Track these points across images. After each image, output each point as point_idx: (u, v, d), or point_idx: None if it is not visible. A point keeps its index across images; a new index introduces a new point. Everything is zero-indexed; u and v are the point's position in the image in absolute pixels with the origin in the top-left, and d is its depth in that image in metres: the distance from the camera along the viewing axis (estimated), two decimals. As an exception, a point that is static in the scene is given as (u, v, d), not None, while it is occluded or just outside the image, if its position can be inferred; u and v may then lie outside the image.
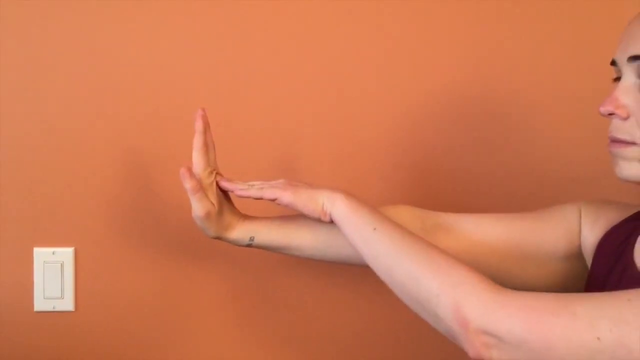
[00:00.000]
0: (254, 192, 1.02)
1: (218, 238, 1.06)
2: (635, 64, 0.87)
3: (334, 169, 1.36)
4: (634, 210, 1.01)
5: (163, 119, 1.32)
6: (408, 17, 1.35)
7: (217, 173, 1.05)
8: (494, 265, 1.04)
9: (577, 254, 1.05)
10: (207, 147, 1.04)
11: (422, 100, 1.36)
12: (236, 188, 1.04)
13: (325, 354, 1.41)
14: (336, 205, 0.99)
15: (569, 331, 0.75)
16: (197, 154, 1.03)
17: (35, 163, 1.31)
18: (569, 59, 1.37)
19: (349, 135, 1.36)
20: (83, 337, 1.35)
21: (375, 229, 0.95)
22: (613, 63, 0.92)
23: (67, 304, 1.34)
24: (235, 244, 1.08)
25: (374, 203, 1.02)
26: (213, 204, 1.03)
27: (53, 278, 1.33)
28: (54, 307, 1.34)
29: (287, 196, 1.00)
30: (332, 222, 1.00)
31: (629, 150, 0.88)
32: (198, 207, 1.01)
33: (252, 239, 1.07)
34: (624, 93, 0.89)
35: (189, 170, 1.00)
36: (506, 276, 1.03)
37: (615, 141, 0.89)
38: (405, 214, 1.10)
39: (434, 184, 1.38)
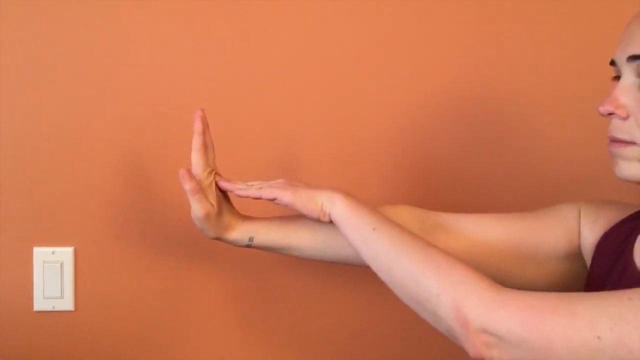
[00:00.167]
0: (253, 192, 1.02)
1: (217, 239, 1.06)
2: (635, 63, 0.87)
3: (334, 169, 1.36)
4: (634, 210, 1.01)
5: (163, 119, 1.32)
6: (408, 17, 1.35)
7: (216, 173, 1.05)
8: (493, 265, 1.04)
9: (577, 254, 1.05)
10: (206, 147, 1.04)
11: (422, 100, 1.36)
12: (235, 188, 1.04)
13: (325, 354, 1.41)
14: (335, 206, 0.98)
15: (569, 330, 0.75)
16: (196, 154, 1.03)
17: (35, 163, 1.31)
18: (569, 59, 1.37)
19: (349, 135, 1.36)
20: (83, 337, 1.35)
21: (374, 229, 0.95)
22: (612, 63, 0.92)
23: (66, 303, 1.34)
24: (235, 244, 1.08)
25: (373, 203, 1.03)
26: (212, 205, 1.03)
27: (53, 278, 1.33)
28: (53, 307, 1.34)
29: (286, 196, 1.00)
30: (331, 222, 1.00)
31: (629, 150, 0.88)
32: (197, 208, 1.01)
33: (251, 239, 1.06)
34: (624, 93, 0.89)
35: (189, 171, 1.00)
36: (506, 276, 1.03)
37: (615, 141, 0.89)
38: (405, 213, 1.10)
39: (434, 184, 1.38)
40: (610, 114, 0.89)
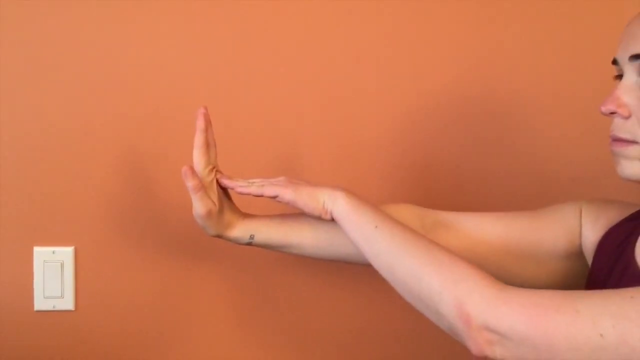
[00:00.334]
0: (254, 190, 1.02)
1: (218, 236, 1.06)
2: (637, 62, 0.87)
3: (334, 169, 1.36)
4: (635, 209, 1.01)
5: (163, 118, 1.32)
6: (408, 17, 1.35)
7: (217, 171, 1.05)
8: (494, 264, 1.04)
9: (578, 253, 1.06)
10: (208, 145, 1.04)
11: (422, 100, 1.36)
12: (237, 185, 1.04)
13: (326, 353, 1.41)
14: (337, 203, 0.99)
15: (572, 328, 0.75)
16: (198, 152, 1.03)
17: (35, 163, 1.31)
18: (569, 59, 1.37)
19: (349, 135, 1.36)
20: (83, 336, 1.35)
21: (376, 226, 0.95)
22: (614, 62, 0.92)
23: (67, 303, 1.34)
24: (236, 242, 1.07)
25: (374, 202, 1.02)
26: (214, 203, 1.03)
27: (53, 277, 1.33)
28: (54, 307, 1.34)
29: (288, 194, 1.00)
30: (332, 220, 1.00)
31: (631, 149, 0.88)
32: (199, 206, 1.01)
33: (252, 237, 1.06)
34: (626, 92, 0.89)
35: (191, 169, 1.00)
36: (506, 275, 1.03)
37: (617, 140, 0.89)
38: (405, 212, 1.10)
39: (434, 184, 1.38)
40: (612, 113, 0.89)
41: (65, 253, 1.33)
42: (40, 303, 1.34)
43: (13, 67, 1.29)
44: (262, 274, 1.38)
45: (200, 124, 1.03)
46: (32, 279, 1.33)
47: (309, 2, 1.33)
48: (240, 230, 1.06)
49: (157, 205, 1.34)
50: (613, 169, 0.91)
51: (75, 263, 1.34)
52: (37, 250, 1.33)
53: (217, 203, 1.03)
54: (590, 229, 1.04)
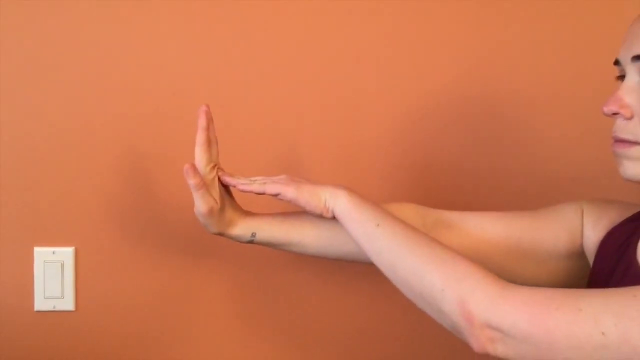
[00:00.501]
0: (256, 187, 1.02)
1: (220, 234, 1.06)
2: (639, 63, 0.87)
3: (334, 169, 1.36)
4: (636, 210, 1.01)
5: (163, 118, 1.32)
6: (408, 17, 1.35)
7: (219, 168, 1.05)
8: (495, 263, 1.04)
9: (580, 253, 1.06)
10: (210, 143, 1.03)
11: (422, 100, 1.36)
12: (238, 183, 1.04)
13: (327, 352, 1.41)
14: (339, 202, 0.99)
15: (574, 326, 0.75)
16: (200, 149, 1.02)
17: (35, 163, 1.31)
18: (569, 59, 1.37)
19: (349, 135, 1.36)
20: (83, 336, 1.35)
21: (378, 224, 0.95)
22: (616, 62, 0.92)
23: (67, 303, 1.34)
24: (237, 240, 1.07)
25: (375, 201, 1.02)
26: (216, 201, 1.02)
27: (53, 277, 1.33)
28: (54, 307, 1.34)
29: (289, 191, 1.00)
30: (334, 218, 1.00)
31: (633, 150, 0.88)
32: (201, 204, 1.01)
33: (253, 235, 1.06)
34: (628, 93, 0.89)
35: (193, 166, 1.00)
36: (507, 274, 1.03)
37: (619, 141, 0.89)
38: (407, 210, 1.10)
39: (434, 184, 1.38)
40: (614, 113, 0.89)
41: (66, 253, 1.33)
42: (41, 303, 1.33)
43: (13, 67, 1.29)
44: (263, 273, 1.38)
45: (201, 121, 1.03)
46: (32, 279, 1.33)
47: (309, 2, 1.33)
48: (242, 228, 1.06)
49: (157, 205, 1.34)
50: (613, 169, 0.91)
51: (76, 263, 1.34)
52: (37, 251, 1.32)
53: (218, 201, 1.03)
54: (591, 229, 1.04)
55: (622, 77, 0.91)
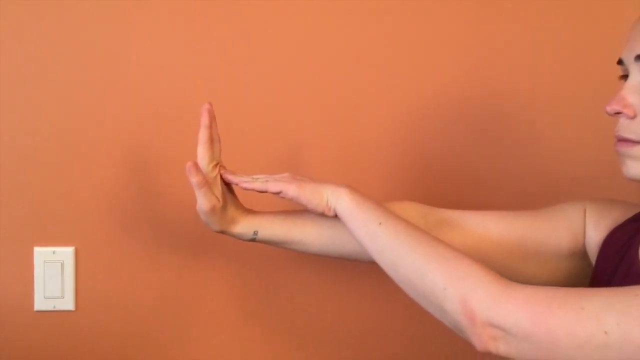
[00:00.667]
0: (258, 185, 1.02)
1: (222, 232, 1.06)
2: None
3: (335, 169, 1.36)
4: (639, 210, 1.01)
5: (164, 118, 1.32)
6: (408, 17, 1.35)
7: (221, 166, 1.05)
8: (497, 262, 1.03)
9: (582, 253, 1.06)
10: (213, 141, 1.03)
11: (422, 100, 1.36)
12: (240, 181, 1.04)
13: (329, 351, 1.40)
14: (341, 200, 0.99)
15: (576, 325, 0.75)
16: (203, 147, 1.02)
17: (36, 163, 1.31)
18: (569, 59, 1.38)
19: (350, 135, 1.36)
20: (83, 336, 1.35)
21: (380, 223, 0.95)
22: (620, 62, 0.92)
23: (67, 303, 1.34)
24: (239, 238, 1.07)
25: (377, 200, 1.02)
26: (218, 199, 1.02)
27: (53, 277, 1.32)
28: (54, 307, 1.33)
29: (291, 190, 1.00)
30: (336, 216, 1.00)
31: (636, 149, 0.88)
32: (203, 202, 1.01)
33: (255, 233, 1.06)
34: (631, 92, 0.89)
35: (195, 164, 1.00)
36: (509, 273, 1.02)
37: (622, 140, 0.89)
38: (409, 209, 1.10)
39: (435, 184, 1.38)
40: (617, 113, 0.89)
41: (66, 253, 1.33)
42: (41, 303, 1.33)
43: (13, 67, 1.29)
44: (264, 273, 1.38)
45: (204, 120, 1.03)
46: (32, 279, 1.33)
47: (310, 2, 1.33)
48: (244, 226, 1.06)
49: (157, 205, 1.34)
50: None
51: (76, 263, 1.33)
52: (37, 250, 1.32)
53: (221, 199, 1.03)
54: (594, 229, 1.04)
55: (625, 77, 0.91)
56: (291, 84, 1.34)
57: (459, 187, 1.39)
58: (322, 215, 1.00)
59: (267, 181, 1.02)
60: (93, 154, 1.32)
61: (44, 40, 1.29)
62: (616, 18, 1.35)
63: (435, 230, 1.06)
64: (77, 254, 1.33)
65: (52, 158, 1.31)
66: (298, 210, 1.06)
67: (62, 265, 1.32)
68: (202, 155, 1.02)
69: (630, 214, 1.02)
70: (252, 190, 1.02)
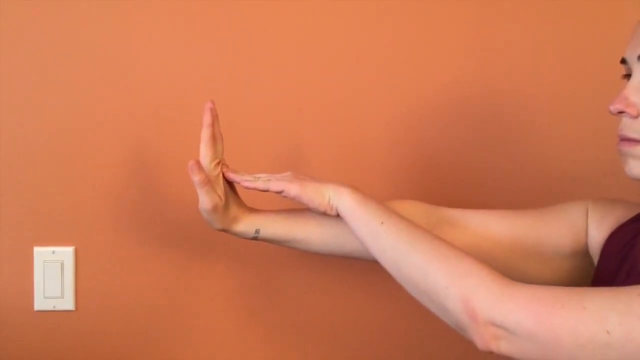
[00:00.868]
0: (260, 184, 1.02)
1: (224, 230, 1.06)
2: None
3: (335, 169, 1.36)
4: (641, 209, 1.02)
5: (164, 118, 1.32)
6: (408, 17, 1.35)
7: (223, 164, 1.05)
8: (499, 261, 1.03)
9: (584, 252, 1.05)
10: (215, 139, 1.04)
11: (423, 100, 1.36)
12: (242, 180, 1.04)
13: (330, 350, 1.40)
14: (342, 199, 0.99)
15: (579, 324, 0.75)
16: (205, 146, 1.02)
17: (36, 163, 1.31)
18: (569, 59, 1.37)
19: (351, 135, 1.36)
20: (83, 336, 1.35)
21: (382, 222, 0.95)
22: (623, 61, 0.92)
23: (67, 303, 1.34)
24: (241, 236, 1.07)
25: (379, 199, 1.02)
26: (220, 197, 1.02)
27: (53, 277, 1.32)
28: (54, 307, 1.33)
29: (293, 189, 1.00)
30: (338, 216, 1.00)
31: (639, 149, 0.88)
32: (205, 200, 1.01)
33: (257, 231, 1.06)
34: (634, 91, 0.88)
35: (198, 163, 1.00)
36: (511, 272, 1.02)
37: (625, 139, 0.89)
38: (410, 208, 1.10)
39: (435, 183, 1.38)
40: (620, 112, 0.89)
41: (65, 253, 1.33)
42: (41, 303, 1.33)
43: (13, 67, 1.29)
44: (265, 273, 1.37)
45: (207, 118, 1.03)
46: (32, 279, 1.32)
47: (311, 2, 1.33)
48: (246, 224, 1.06)
49: (157, 205, 1.34)
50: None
51: (75, 263, 1.33)
52: (37, 250, 1.32)
53: (223, 197, 1.03)
54: (596, 228, 1.04)
55: (628, 76, 0.91)
56: (292, 84, 1.34)
57: (459, 187, 1.39)
58: (324, 214, 1.00)
59: (269, 180, 1.02)
60: (93, 153, 1.31)
61: (44, 40, 1.29)
62: (616, 18, 1.35)
63: (436, 229, 1.06)
64: (77, 253, 1.33)
65: (52, 158, 1.31)
66: (300, 208, 1.06)
67: (62, 265, 1.32)
68: (205, 153, 1.02)
69: (632, 213, 1.02)
70: (254, 189, 1.03)
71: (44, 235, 1.32)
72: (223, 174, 1.04)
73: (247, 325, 1.38)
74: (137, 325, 1.36)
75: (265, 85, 1.33)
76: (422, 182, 1.38)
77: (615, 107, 0.89)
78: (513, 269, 1.05)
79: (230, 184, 1.06)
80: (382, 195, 1.32)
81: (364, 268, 1.26)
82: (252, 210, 1.09)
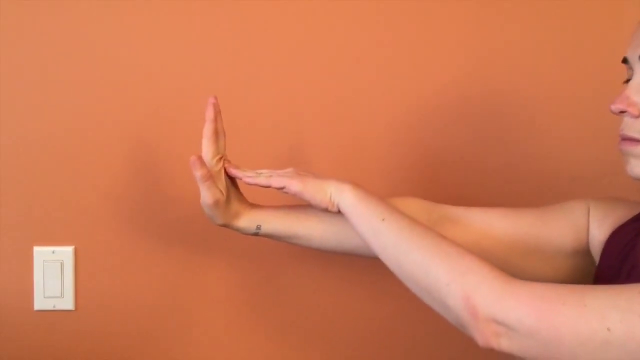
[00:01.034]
0: (262, 180, 1.02)
1: (225, 226, 1.06)
2: None
3: (335, 168, 1.35)
4: (642, 209, 1.02)
5: (164, 117, 1.32)
6: (408, 17, 1.35)
7: (225, 160, 1.05)
8: (500, 259, 1.03)
9: (585, 251, 1.05)
10: (217, 134, 1.04)
11: (424, 99, 1.36)
12: (244, 175, 1.04)
13: (332, 348, 1.40)
14: (344, 196, 0.99)
15: (579, 321, 0.75)
16: (207, 141, 1.03)
17: (36, 163, 1.31)
18: (569, 59, 1.38)
19: (352, 133, 1.36)
20: (83, 336, 1.35)
21: (384, 219, 0.95)
22: (625, 61, 0.92)
23: (67, 303, 1.33)
24: (242, 232, 1.07)
25: (380, 196, 1.02)
26: (222, 192, 1.03)
27: (53, 277, 1.32)
28: (54, 306, 1.33)
29: (294, 185, 1.00)
30: (339, 212, 1.00)
31: None
32: (207, 195, 1.01)
33: (259, 227, 1.06)
34: (636, 91, 0.89)
35: (200, 158, 1.00)
36: (512, 270, 1.01)
37: (627, 139, 0.89)
38: (412, 205, 1.10)
39: (435, 183, 1.38)
40: (621, 112, 0.89)
41: (65, 253, 1.33)
42: (40, 303, 1.33)
43: (13, 67, 1.29)
44: (266, 272, 1.37)
45: (209, 113, 1.03)
46: (32, 278, 1.32)
47: (312, 2, 1.33)
48: (247, 220, 1.07)
49: (157, 204, 1.34)
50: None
51: (75, 263, 1.33)
52: (37, 250, 1.32)
53: (224, 192, 1.03)
54: (597, 228, 1.04)
55: (629, 81, 0.91)
56: (293, 83, 1.34)
57: (459, 187, 1.39)
58: (325, 211, 1.01)
59: (270, 176, 1.03)
60: (93, 153, 1.31)
61: (44, 40, 1.29)
62: (616, 18, 1.35)
63: (438, 226, 1.06)
64: (76, 253, 1.33)
65: (52, 157, 1.31)
66: (302, 204, 1.06)
67: (62, 264, 1.32)
68: (207, 148, 1.03)
69: (633, 213, 1.02)
70: (256, 185, 1.03)
71: (43, 235, 1.32)
72: (225, 170, 1.04)
73: (248, 323, 1.38)
74: (137, 325, 1.36)
75: (265, 84, 1.33)
76: (422, 181, 1.38)
77: (616, 106, 0.89)
78: (514, 266, 1.04)
79: (232, 180, 1.07)
80: (382, 194, 1.32)
81: (365, 265, 1.26)
82: (254, 206, 1.09)
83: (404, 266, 0.91)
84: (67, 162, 1.31)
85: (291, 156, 1.35)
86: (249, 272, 1.37)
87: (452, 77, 1.37)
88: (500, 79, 1.37)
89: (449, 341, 1.39)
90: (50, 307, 1.33)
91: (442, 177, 1.38)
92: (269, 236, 1.08)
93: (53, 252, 1.32)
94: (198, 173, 1.00)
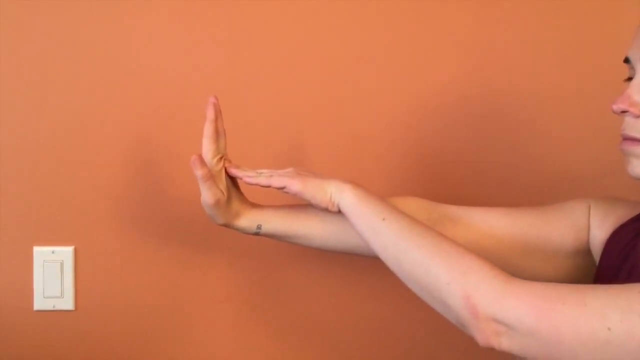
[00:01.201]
0: (262, 180, 1.02)
1: (226, 226, 1.06)
2: None
3: (336, 168, 1.35)
4: (643, 209, 1.02)
5: (164, 117, 1.32)
6: (408, 17, 1.35)
7: (226, 159, 1.05)
8: (501, 259, 1.03)
9: (586, 251, 1.05)
10: (218, 134, 1.04)
11: (424, 99, 1.36)
12: (245, 175, 1.04)
13: (332, 348, 1.40)
14: (344, 196, 0.99)
15: (579, 321, 0.75)
16: (208, 141, 1.03)
17: (36, 163, 1.31)
18: (570, 59, 1.38)
19: (353, 133, 1.36)
20: (83, 336, 1.35)
21: (384, 219, 0.95)
22: (626, 60, 0.92)
23: (67, 303, 1.33)
24: (243, 231, 1.07)
25: (380, 196, 1.02)
26: (222, 192, 1.03)
27: (53, 277, 1.32)
28: (53, 306, 1.33)
29: (295, 185, 1.00)
30: (339, 212, 1.00)
31: None
32: (208, 195, 1.01)
33: (259, 227, 1.06)
34: (638, 91, 0.89)
35: (200, 158, 1.00)
36: (512, 269, 1.01)
37: (628, 139, 0.89)
38: (412, 205, 1.10)
39: (435, 183, 1.38)
40: (623, 111, 0.89)
41: (65, 253, 1.33)
42: (40, 303, 1.33)
43: (13, 67, 1.29)
44: (266, 271, 1.37)
45: (210, 113, 1.03)
46: (32, 278, 1.32)
47: (312, 2, 1.33)
48: (248, 219, 1.07)
49: (157, 204, 1.34)
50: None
51: (75, 263, 1.33)
52: (37, 250, 1.32)
53: (225, 192, 1.03)
54: (598, 227, 1.04)
55: (630, 79, 0.91)
56: (293, 83, 1.34)
57: (459, 187, 1.39)
58: (326, 210, 1.01)
59: (271, 176, 1.03)
60: (93, 153, 1.31)
61: (44, 40, 1.29)
62: (616, 18, 1.35)
63: (438, 225, 1.06)
64: (76, 253, 1.33)
65: (52, 157, 1.31)
66: (302, 204, 1.06)
67: (62, 264, 1.32)
68: (207, 148, 1.03)
69: (634, 212, 1.02)
70: (256, 185, 1.03)
71: (43, 235, 1.32)
72: (225, 169, 1.04)
73: (248, 323, 1.38)
74: (137, 325, 1.36)
75: (266, 84, 1.33)
76: (423, 181, 1.38)
77: (618, 106, 0.89)
78: (514, 266, 1.04)
79: (232, 180, 1.06)
80: (382, 194, 1.32)
81: (365, 265, 1.26)
82: (254, 205, 1.09)
83: (404, 265, 0.91)
84: (67, 162, 1.31)
85: (291, 156, 1.35)
86: (249, 272, 1.37)
87: (452, 77, 1.37)
88: (500, 79, 1.38)
89: (449, 341, 1.39)
90: (50, 307, 1.33)
91: (442, 177, 1.38)
92: (270, 236, 1.08)
93: (53, 252, 1.32)
94: (199, 173, 1.00)
